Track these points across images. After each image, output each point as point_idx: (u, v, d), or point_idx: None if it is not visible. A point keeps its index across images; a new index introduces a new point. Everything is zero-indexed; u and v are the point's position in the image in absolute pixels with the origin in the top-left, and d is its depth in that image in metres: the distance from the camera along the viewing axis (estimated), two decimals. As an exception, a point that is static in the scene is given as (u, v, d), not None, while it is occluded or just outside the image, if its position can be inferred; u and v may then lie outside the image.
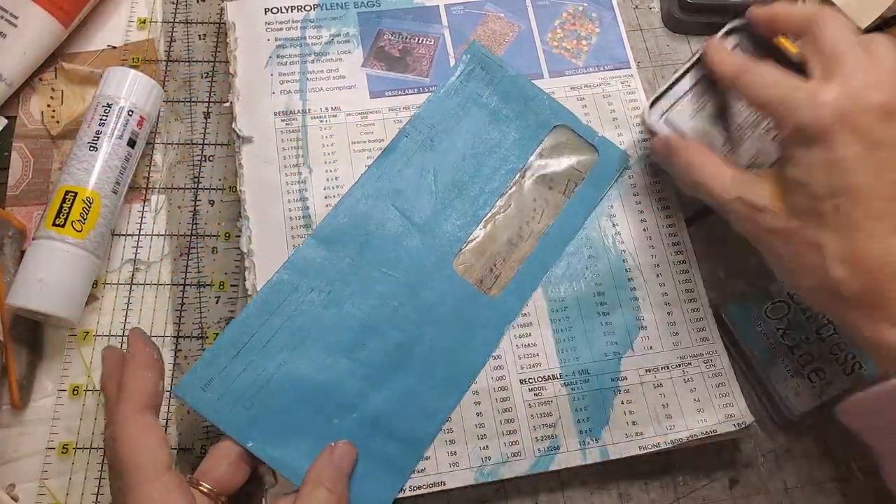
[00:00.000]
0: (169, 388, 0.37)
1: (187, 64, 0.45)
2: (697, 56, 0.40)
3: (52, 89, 0.43)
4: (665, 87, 0.40)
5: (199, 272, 0.40)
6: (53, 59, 0.44)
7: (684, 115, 0.40)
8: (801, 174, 0.32)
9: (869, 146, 0.31)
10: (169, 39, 0.46)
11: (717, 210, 0.36)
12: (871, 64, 0.32)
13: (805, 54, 0.35)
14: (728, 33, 0.40)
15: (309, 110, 0.42)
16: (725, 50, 0.38)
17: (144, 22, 0.46)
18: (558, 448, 0.37)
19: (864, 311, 0.30)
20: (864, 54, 0.33)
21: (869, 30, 0.47)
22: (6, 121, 0.43)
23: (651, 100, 0.40)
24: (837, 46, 0.33)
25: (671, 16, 0.48)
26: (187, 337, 0.39)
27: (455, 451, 0.36)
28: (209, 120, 0.44)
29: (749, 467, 0.38)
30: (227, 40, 0.43)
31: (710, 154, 0.37)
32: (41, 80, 0.44)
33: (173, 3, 0.47)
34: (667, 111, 0.40)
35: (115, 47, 0.45)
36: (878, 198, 0.30)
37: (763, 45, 0.39)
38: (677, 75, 0.40)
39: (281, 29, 0.44)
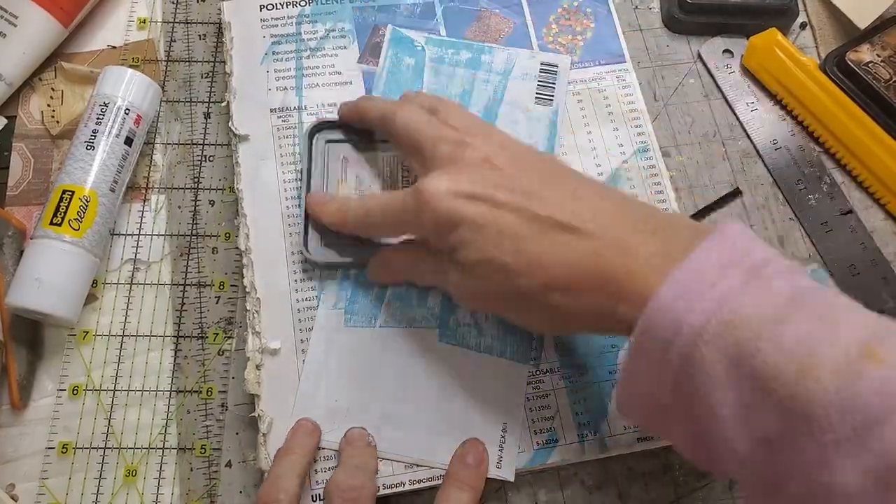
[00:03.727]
0: (170, 388, 0.38)
1: (187, 64, 0.45)
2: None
3: (52, 89, 0.43)
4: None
5: (199, 272, 0.40)
6: (53, 58, 0.44)
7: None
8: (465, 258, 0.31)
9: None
10: (169, 39, 0.46)
11: None
12: (448, 132, 0.33)
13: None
14: (319, 129, 0.40)
15: (305, 107, 0.42)
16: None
17: (144, 22, 0.46)
18: (557, 441, 0.37)
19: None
20: (438, 130, 0.34)
21: (869, 30, 0.47)
22: (6, 121, 0.43)
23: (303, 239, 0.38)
24: (413, 137, 0.34)
25: (671, 16, 0.48)
26: (187, 337, 0.39)
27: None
28: (209, 120, 0.44)
29: (749, 467, 0.38)
30: (224, 40, 0.44)
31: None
32: (41, 80, 0.44)
33: (173, 3, 0.47)
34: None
35: (115, 47, 0.45)
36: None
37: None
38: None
39: (276, 25, 0.44)
